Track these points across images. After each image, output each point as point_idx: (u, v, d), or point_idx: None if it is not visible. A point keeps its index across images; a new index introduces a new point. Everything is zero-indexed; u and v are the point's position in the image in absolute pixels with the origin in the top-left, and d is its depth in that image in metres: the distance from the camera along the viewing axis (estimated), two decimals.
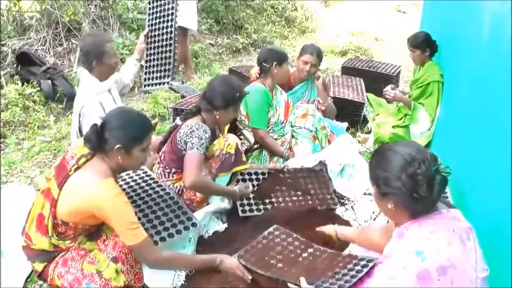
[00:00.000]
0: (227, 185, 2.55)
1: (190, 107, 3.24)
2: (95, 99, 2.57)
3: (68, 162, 1.81)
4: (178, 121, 2.54)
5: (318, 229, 2.12)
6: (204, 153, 2.31)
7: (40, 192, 1.88)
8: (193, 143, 2.27)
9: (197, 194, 2.41)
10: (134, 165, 1.92)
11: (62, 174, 1.79)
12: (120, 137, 1.77)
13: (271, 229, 2.20)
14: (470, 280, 1.36)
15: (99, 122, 1.83)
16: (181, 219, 2.17)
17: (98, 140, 1.77)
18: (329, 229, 2.09)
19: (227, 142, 2.41)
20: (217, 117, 2.41)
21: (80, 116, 2.57)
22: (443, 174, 1.40)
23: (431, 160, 1.40)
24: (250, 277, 1.90)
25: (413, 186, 1.37)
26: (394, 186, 1.41)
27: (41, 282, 2.10)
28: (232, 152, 2.41)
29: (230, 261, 1.94)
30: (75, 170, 1.78)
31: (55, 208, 1.77)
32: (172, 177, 2.45)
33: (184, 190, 2.44)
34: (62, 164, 1.84)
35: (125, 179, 2.43)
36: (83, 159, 1.80)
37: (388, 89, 3.53)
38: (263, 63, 2.99)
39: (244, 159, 2.56)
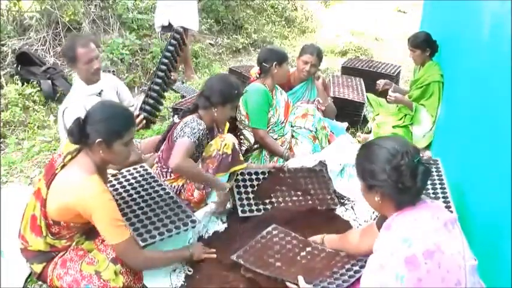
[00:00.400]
0: None
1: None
2: (80, 102, 2.51)
3: (56, 161, 1.81)
4: (176, 119, 2.54)
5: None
6: (195, 143, 2.29)
7: (32, 193, 1.87)
8: (185, 132, 2.27)
9: (194, 194, 2.41)
10: (118, 160, 1.89)
11: (49, 173, 1.78)
12: (101, 131, 1.75)
13: (269, 228, 2.21)
14: (458, 265, 1.39)
15: None
16: (180, 217, 2.16)
17: (79, 134, 1.75)
18: (317, 238, 2.13)
19: (224, 142, 2.40)
20: (215, 114, 2.41)
21: (63, 118, 2.54)
22: (426, 165, 1.48)
23: (414, 152, 1.47)
24: (214, 256, 2.09)
25: (398, 177, 1.44)
26: (380, 178, 1.47)
27: (40, 282, 2.09)
28: (229, 152, 2.40)
29: (196, 248, 2.08)
30: (62, 167, 1.77)
31: (45, 208, 1.76)
32: (170, 176, 2.44)
33: (182, 190, 2.43)
34: (51, 163, 1.83)
35: (125, 176, 2.41)
36: (69, 157, 1.79)
37: (388, 91, 3.53)
38: (263, 63, 2.98)
39: (242, 158, 2.55)
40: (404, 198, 1.48)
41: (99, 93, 2.68)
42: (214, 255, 2.10)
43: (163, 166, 2.45)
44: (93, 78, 2.62)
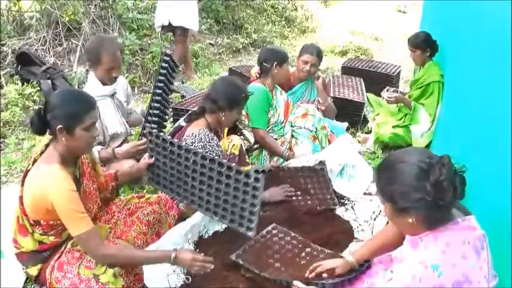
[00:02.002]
0: None
1: (191, 107, 3.24)
2: None
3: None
4: (182, 122, 2.52)
5: (318, 270, 1.78)
6: None
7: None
8: None
9: None
10: (82, 148, 1.79)
11: (25, 172, 1.77)
12: (60, 117, 1.68)
13: (269, 228, 2.21)
14: None
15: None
16: (243, 216, 1.97)
17: (39, 123, 1.70)
18: (342, 262, 1.77)
19: (232, 143, 2.42)
20: (223, 118, 2.39)
21: None
22: (461, 173, 1.37)
23: (449, 162, 1.34)
24: (212, 266, 1.82)
25: (439, 193, 1.31)
26: (415, 198, 1.33)
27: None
28: (237, 152, 2.42)
29: (184, 255, 1.79)
30: (33, 164, 1.75)
31: (23, 205, 1.75)
32: None
33: None
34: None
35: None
36: (39, 152, 1.77)
37: (388, 94, 3.53)
38: (263, 63, 2.98)
39: (248, 160, 2.56)
40: (443, 215, 1.37)
41: (112, 95, 2.68)
42: (211, 266, 1.85)
43: None
44: (108, 82, 2.64)
